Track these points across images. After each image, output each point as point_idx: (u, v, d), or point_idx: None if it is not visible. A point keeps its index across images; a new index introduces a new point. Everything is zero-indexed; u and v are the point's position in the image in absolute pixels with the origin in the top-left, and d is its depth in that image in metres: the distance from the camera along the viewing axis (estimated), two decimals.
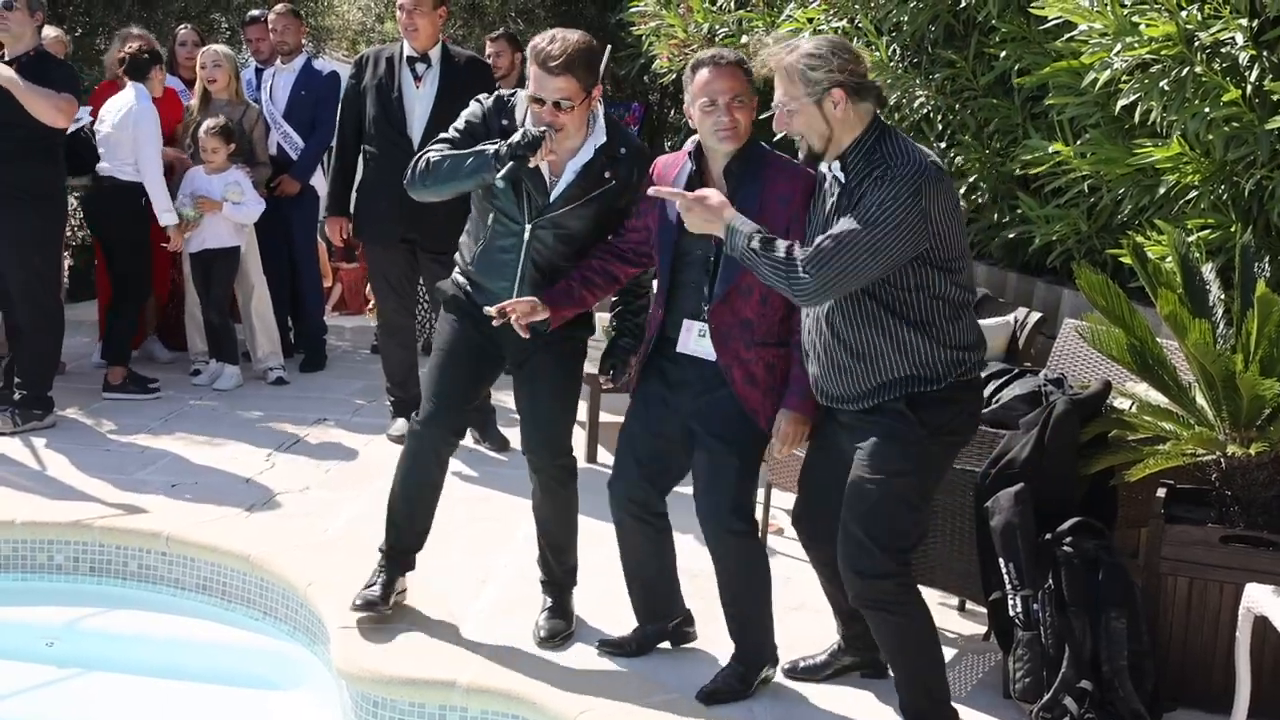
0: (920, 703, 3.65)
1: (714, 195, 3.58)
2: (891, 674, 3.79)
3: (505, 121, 4.09)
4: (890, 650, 3.69)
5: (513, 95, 4.18)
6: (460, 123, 4.16)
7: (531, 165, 3.92)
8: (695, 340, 3.87)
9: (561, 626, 4.27)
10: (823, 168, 3.59)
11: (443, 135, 4.16)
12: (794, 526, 3.96)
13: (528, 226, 4.08)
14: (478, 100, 4.20)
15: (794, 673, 4.08)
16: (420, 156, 4.09)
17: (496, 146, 3.93)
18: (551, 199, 4.07)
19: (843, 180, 3.49)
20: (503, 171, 3.89)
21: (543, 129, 3.90)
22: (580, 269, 4.10)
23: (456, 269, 4.31)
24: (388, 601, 4.21)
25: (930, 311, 3.48)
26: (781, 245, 3.44)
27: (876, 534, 3.51)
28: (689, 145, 3.93)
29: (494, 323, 4.01)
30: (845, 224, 3.37)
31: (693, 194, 3.60)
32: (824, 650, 4.13)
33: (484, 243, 4.15)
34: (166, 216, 6.98)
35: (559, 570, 4.39)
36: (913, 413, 3.48)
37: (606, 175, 4.07)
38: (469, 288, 4.22)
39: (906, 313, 3.47)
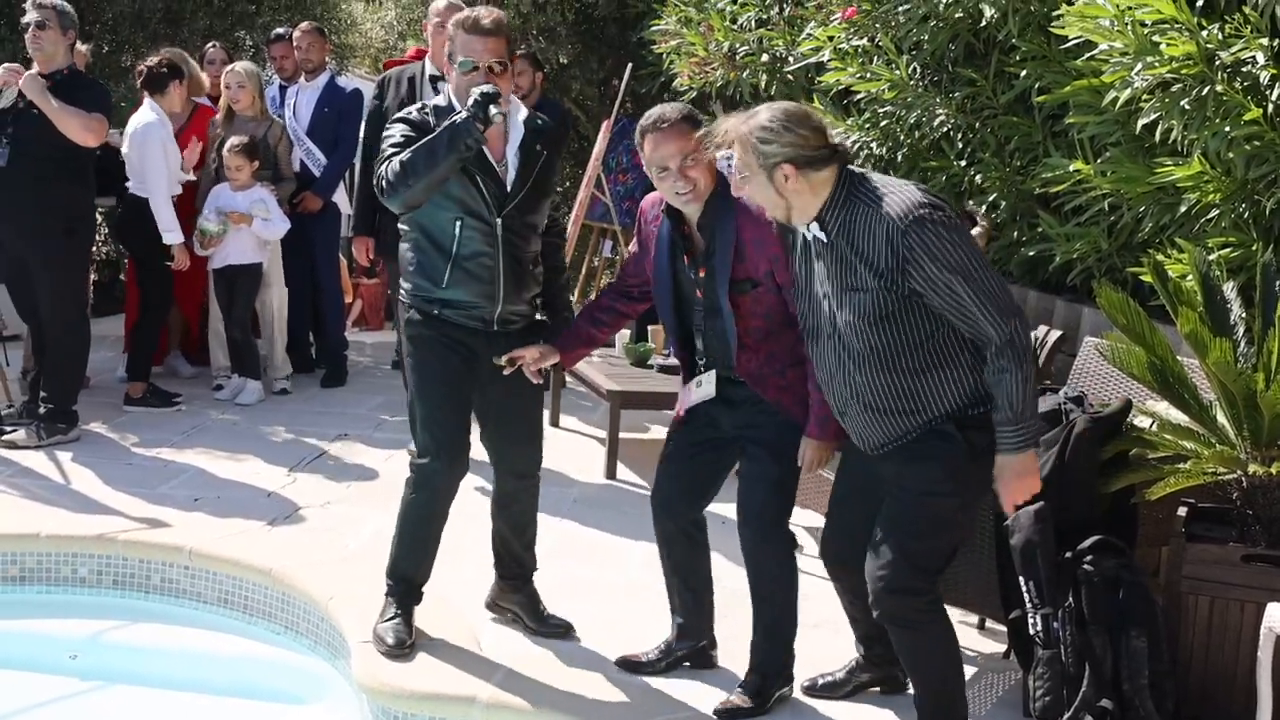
0: (933, 716, 3.65)
1: (1004, 480, 3.43)
2: (911, 690, 3.79)
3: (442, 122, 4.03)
4: (912, 667, 3.69)
5: (433, 104, 4.14)
6: (395, 138, 4.02)
7: (495, 117, 3.88)
8: (700, 391, 3.94)
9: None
10: (801, 230, 3.55)
11: (386, 151, 3.99)
12: (821, 551, 3.93)
13: (498, 220, 4.08)
14: (402, 119, 4.10)
15: (813, 690, 4.08)
16: (383, 169, 3.93)
17: (454, 118, 3.89)
18: (509, 187, 4.08)
19: (825, 239, 3.47)
20: (484, 120, 3.83)
21: (489, 89, 3.91)
22: (588, 309, 4.20)
23: (410, 303, 4.19)
24: (412, 634, 4.21)
25: (949, 347, 3.45)
26: (998, 381, 3.35)
27: (911, 552, 3.51)
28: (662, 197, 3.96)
29: (505, 371, 4.05)
30: (953, 288, 3.31)
31: (1008, 496, 3.45)
32: (842, 667, 4.13)
33: (455, 254, 4.08)
34: (170, 235, 6.99)
35: (533, 560, 4.48)
36: (959, 431, 3.46)
37: (539, 148, 4.13)
38: (437, 310, 4.14)
39: (930, 360, 3.44)
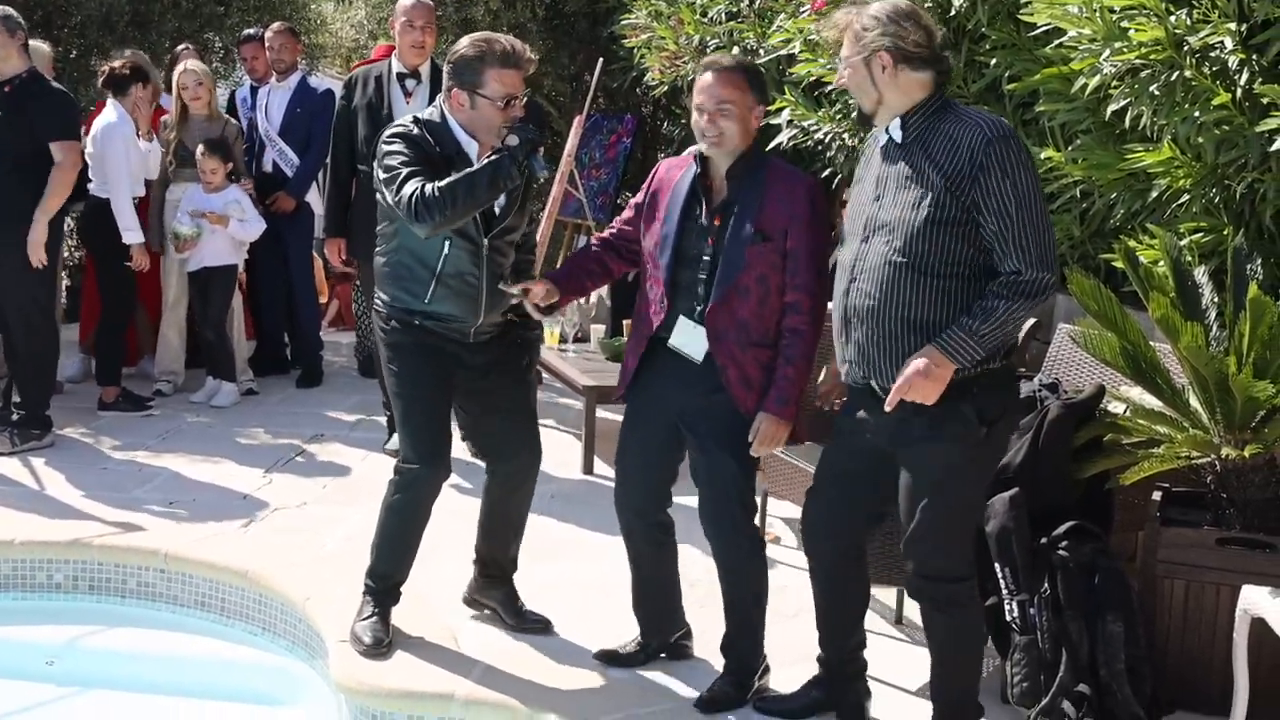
0: (956, 700, 3.68)
1: (916, 364, 3.38)
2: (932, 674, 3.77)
3: (440, 149, 4.02)
4: (943, 653, 3.68)
5: (427, 120, 4.09)
6: (404, 156, 3.96)
7: (541, 174, 3.94)
8: (684, 337, 3.86)
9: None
10: (876, 131, 3.61)
11: (399, 169, 3.93)
12: (802, 520, 3.86)
13: (485, 241, 4.08)
14: (402, 137, 4.02)
15: (764, 704, 3.96)
16: (413, 195, 3.85)
17: (501, 155, 3.89)
18: (497, 210, 4.07)
19: (899, 139, 3.50)
20: (535, 168, 3.89)
21: (534, 137, 3.92)
22: (579, 258, 4.16)
23: (389, 313, 4.15)
24: (390, 633, 4.20)
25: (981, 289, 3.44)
26: (992, 299, 3.35)
27: (953, 541, 3.54)
28: (694, 148, 3.96)
29: (514, 298, 4.05)
30: (1007, 206, 3.33)
31: (909, 375, 3.38)
32: (800, 689, 4.01)
33: (439, 271, 4.06)
34: (130, 235, 6.94)
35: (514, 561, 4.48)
36: (968, 406, 3.43)
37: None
38: (418, 321, 4.12)
39: (964, 291, 3.43)
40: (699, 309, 3.84)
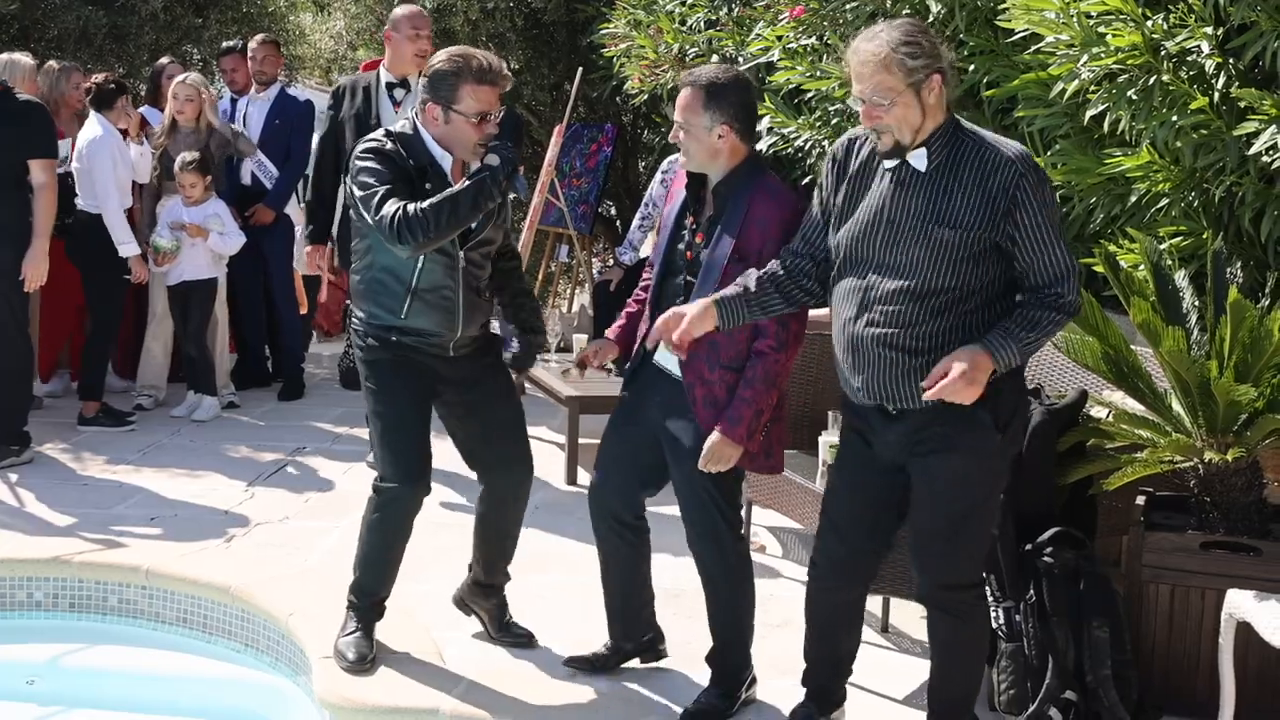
0: (956, 706, 3.66)
1: (959, 365, 3.28)
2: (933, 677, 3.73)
3: (413, 161, 4.00)
4: (948, 658, 3.64)
5: (399, 133, 4.07)
6: (381, 172, 3.93)
7: (517, 192, 3.93)
8: (666, 352, 3.83)
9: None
10: (888, 161, 3.45)
11: (376, 188, 3.89)
12: (812, 571, 3.79)
13: (461, 254, 4.06)
14: (376, 152, 3.99)
15: None
16: (394, 215, 3.80)
17: (482, 175, 3.87)
18: (474, 222, 4.03)
19: (921, 170, 3.39)
20: (518, 188, 3.89)
21: (512, 155, 3.91)
22: (629, 311, 4.14)
23: (366, 330, 4.13)
24: (374, 648, 4.18)
25: (1001, 314, 3.42)
26: (1037, 310, 3.33)
27: (970, 552, 3.53)
28: None
29: (578, 376, 4.13)
30: (1045, 237, 3.32)
31: (954, 378, 3.26)
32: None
33: (414, 286, 4.03)
34: (126, 248, 6.95)
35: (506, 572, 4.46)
36: (985, 412, 3.37)
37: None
38: (395, 337, 4.09)
39: (986, 318, 3.40)
40: None
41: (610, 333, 4.14)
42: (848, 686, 3.92)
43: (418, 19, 6.20)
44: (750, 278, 3.61)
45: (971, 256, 3.34)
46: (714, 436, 3.72)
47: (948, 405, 3.34)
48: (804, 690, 3.89)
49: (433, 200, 3.83)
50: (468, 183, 3.88)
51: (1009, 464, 3.59)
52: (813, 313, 6.33)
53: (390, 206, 3.83)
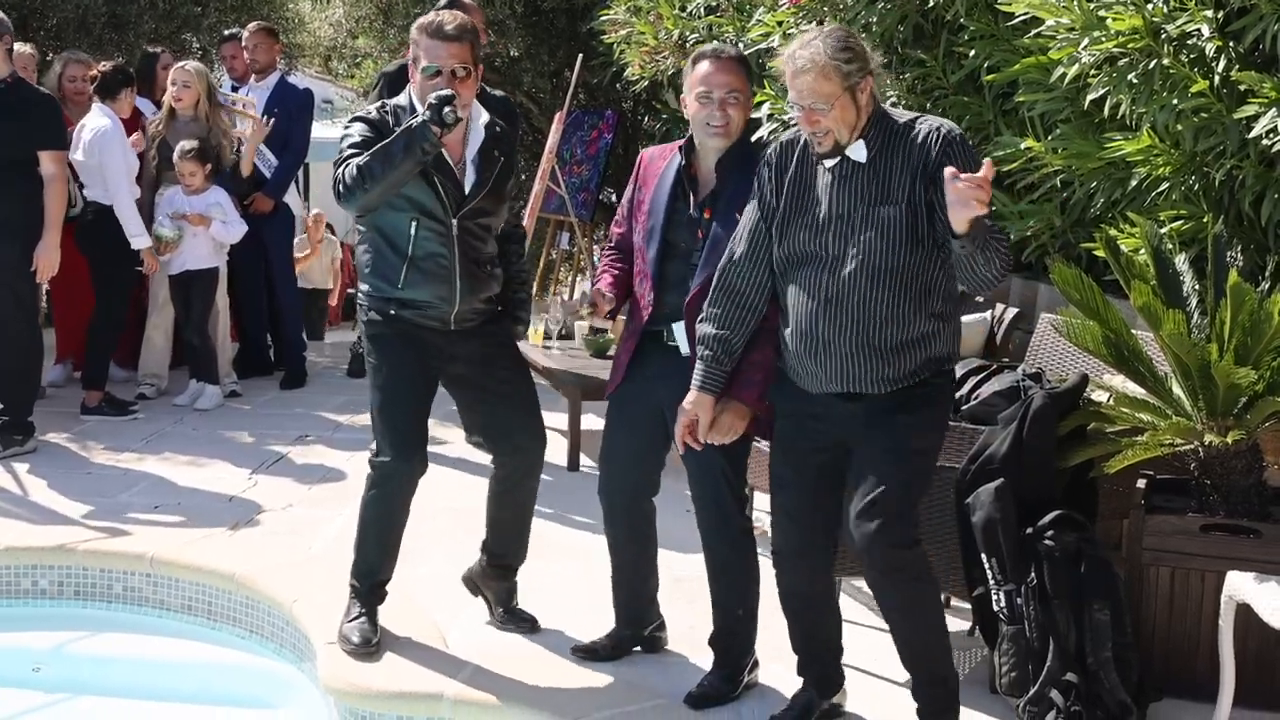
0: (932, 674, 3.66)
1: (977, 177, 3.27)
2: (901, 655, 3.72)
3: (399, 127, 3.99)
4: (907, 622, 3.63)
5: (394, 105, 4.12)
6: (355, 137, 4.01)
7: (451, 121, 3.85)
8: (679, 330, 3.87)
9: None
10: (828, 161, 3.52)
11: (343, 155, 3.98)
12: (775, 559, 3.80)
13: (454, 221, 4.06)
14: (361, 119, 4.09)
15: None
16: (341, 171, 3.92)
17: (410, 122, 3.88)
18: (467, 190, 4.07)
19: (862, 160, 3.48)
20: (440, 124, 3.81)
21: (446, 92, 3.88)
22: (601, 270, 4.13)
23: (369, 304, 4.17)
24: (378, 632, 4.20)
25: (953, 299, 3.55)
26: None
27: (909, 504, 3.55)
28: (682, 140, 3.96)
29: (590, 317, 4.14)
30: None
31: (981, 176, 3.23)
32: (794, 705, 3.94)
33: (410, 254, 4.06)
34: (138, 240, 6.96)
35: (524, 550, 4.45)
36: (946, 384, 3.55)
37: (496, 154, 4.14)
38: (394, 310, 4.11)
39: (940, 303, 3.52)
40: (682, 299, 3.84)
41: (605, 287, 4.06)
42: (845, 669, 3.93)
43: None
44: (700, 350, 3.68)
45: (913, 231, 3.44)
46: (731, 407, 3.73)
47: (907, 387, 3.51)
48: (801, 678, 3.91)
49: (371, 151, 3.89)
50: (400, 130, 3.90)
51: (945, 422, 3.71)
52: None
53: (341, 167, 3.92)
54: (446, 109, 3.82)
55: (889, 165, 3.46)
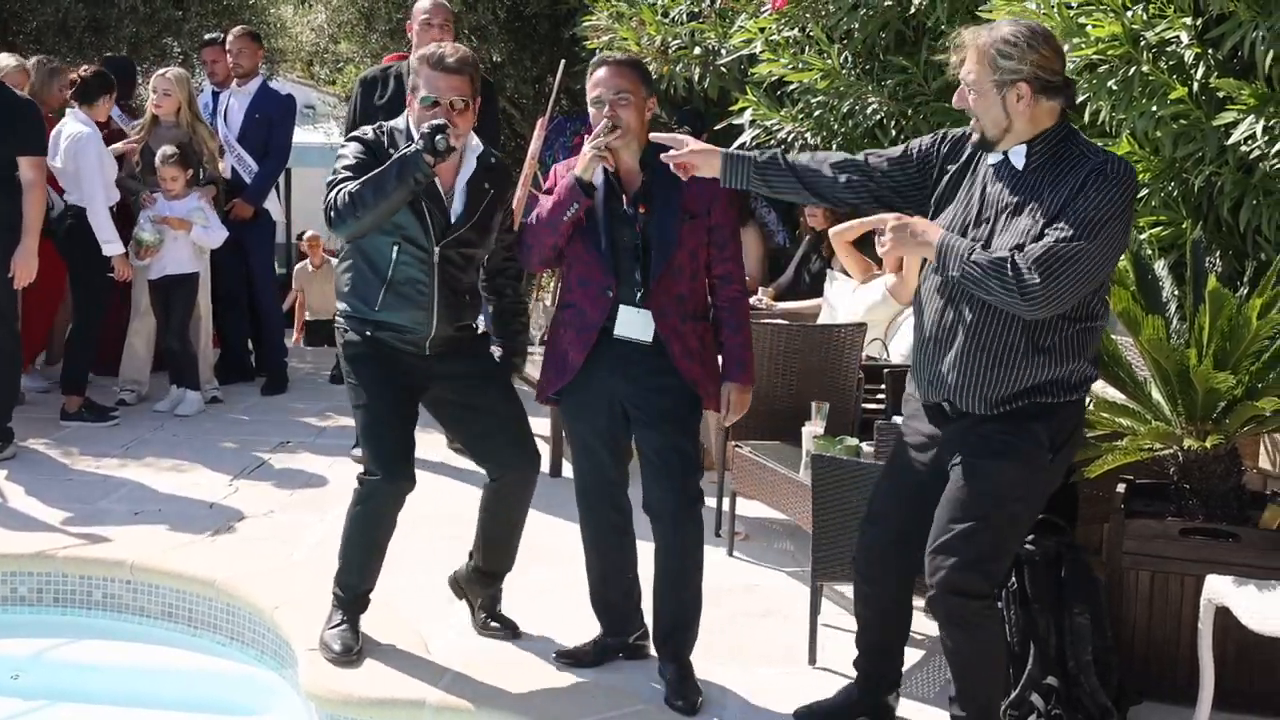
0: (977, 709, 3.58)
1: (919, 221, 3.42)
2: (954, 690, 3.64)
3: (394, 151, 4.01)
4: (962, 670, 3.55)
5: (391, 127, 4.12)
6: (349, 159, 4.01)
7: (443, 149, 3.85)
8: (629, 323, 3.93)
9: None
10: (989, 155, 3.45)
11: (336, 177, 3.97)
12: (862, 548, 3.75)
13: (436, 249, 4.06)
14: (357, 139, 4.09)
15: (810, 716, 3.88)
16: (334, 196, 3.90)
17: (404, 150, 3.89)
18: (453, 219, 4.07)
19: (1019, 167, 3.38)
20: (433, 152, 3.82)
21: (439, 121, 3.89)
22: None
23: (346, 324, 4.15)
24: (359, 639, 4.19)
25: (1085, 334, 3.41)
26: (999, 253, 3.27)
27: (988, 556, 3.42)
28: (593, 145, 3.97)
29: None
30: (1064, 228, 3.22)
31: (898, 221, 3.38)
32: (839, 692, 3.96)
33: (389, 278, 4.05)
34: (110, 247, 6.92)
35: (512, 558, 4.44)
36: (1041, 427, 3.39)
37: (486, 186, 4.14)
38: (370, 332, 4.10)
39: (1065, 329, 3.38)
40: (639, 294, 3.92)
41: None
42: (827, 673, 3.93)
43: (432, 10, 6.19)
44: (764, 153, 3.73)
45: None
46: (733, 388, 4.00)
47: (1008, 413, 3.38)
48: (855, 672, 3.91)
49: (363, 178, 3.90)
50: (394, 157, 3.90)
51: (1049, 487, 3.53)
52: (798, 304, 6.39)
53: (334, 191, 3.92)
54: (439, 137, 3.84)
55: (1040, 182, 3.34)
